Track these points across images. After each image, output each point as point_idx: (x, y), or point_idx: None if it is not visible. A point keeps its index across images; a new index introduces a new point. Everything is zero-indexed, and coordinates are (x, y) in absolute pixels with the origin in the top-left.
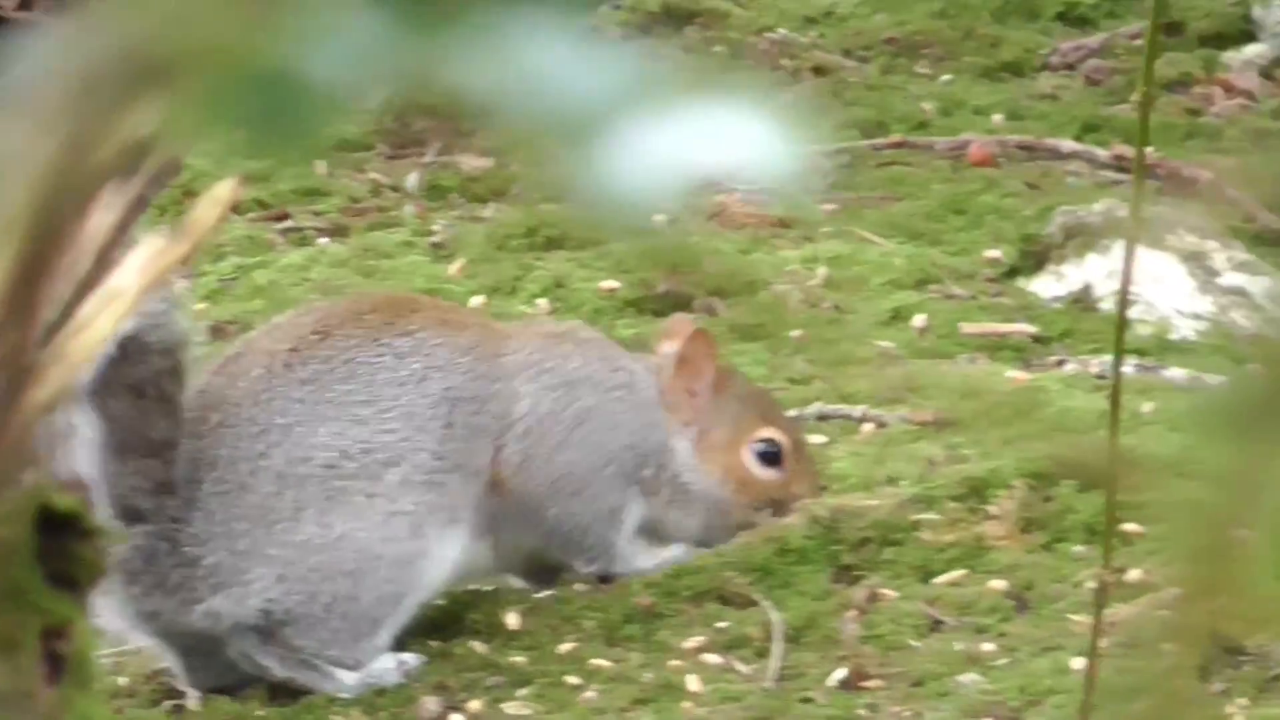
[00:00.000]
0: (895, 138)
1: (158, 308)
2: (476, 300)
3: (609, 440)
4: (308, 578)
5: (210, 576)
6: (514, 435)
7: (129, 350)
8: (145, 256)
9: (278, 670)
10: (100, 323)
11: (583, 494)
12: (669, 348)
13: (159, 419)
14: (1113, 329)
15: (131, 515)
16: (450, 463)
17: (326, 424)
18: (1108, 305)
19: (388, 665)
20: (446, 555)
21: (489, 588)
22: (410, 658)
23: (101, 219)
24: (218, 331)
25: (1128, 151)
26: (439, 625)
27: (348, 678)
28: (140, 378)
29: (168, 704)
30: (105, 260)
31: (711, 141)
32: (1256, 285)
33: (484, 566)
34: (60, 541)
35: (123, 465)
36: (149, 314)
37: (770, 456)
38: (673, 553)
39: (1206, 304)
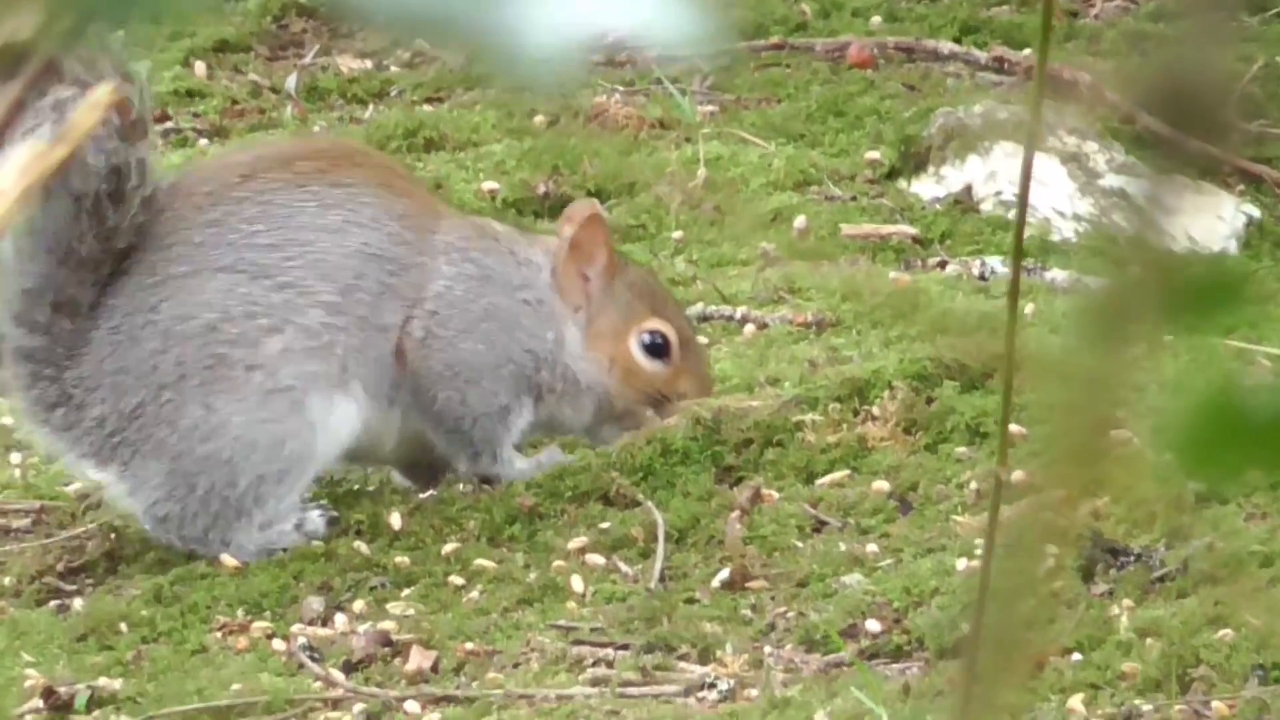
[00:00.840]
0: (774, 40)
1: (99, 131)
2: None
3: (511, 342)
4: (190, 471)
5: (96, 431)
6: (422, 311)
7: (72, 162)
8: (25, 159)
9: (176, 544)
10: None
11: (477, 385)
12: (567, 231)
13: (89, 236)
14: (993, 230)
15: (25, 321)
16: (352, 316)
17: (219, 276)
18: (988, 207)
19: (285, 528)
20: (337, 421)
21: (371, 488)
22: (315, 517)
23: None
24: None
25: (1007, 54)
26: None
27: (249, 544)
28: (80, 190)
29: (53, 604)
30: None
31: (610, 6)
32: (1136, 187)
33: (390, 430)
34: None
35: (33, 264)
36: (91, 135)
37: (656, 348)
38: (548, 456)
39: (1087, 206)
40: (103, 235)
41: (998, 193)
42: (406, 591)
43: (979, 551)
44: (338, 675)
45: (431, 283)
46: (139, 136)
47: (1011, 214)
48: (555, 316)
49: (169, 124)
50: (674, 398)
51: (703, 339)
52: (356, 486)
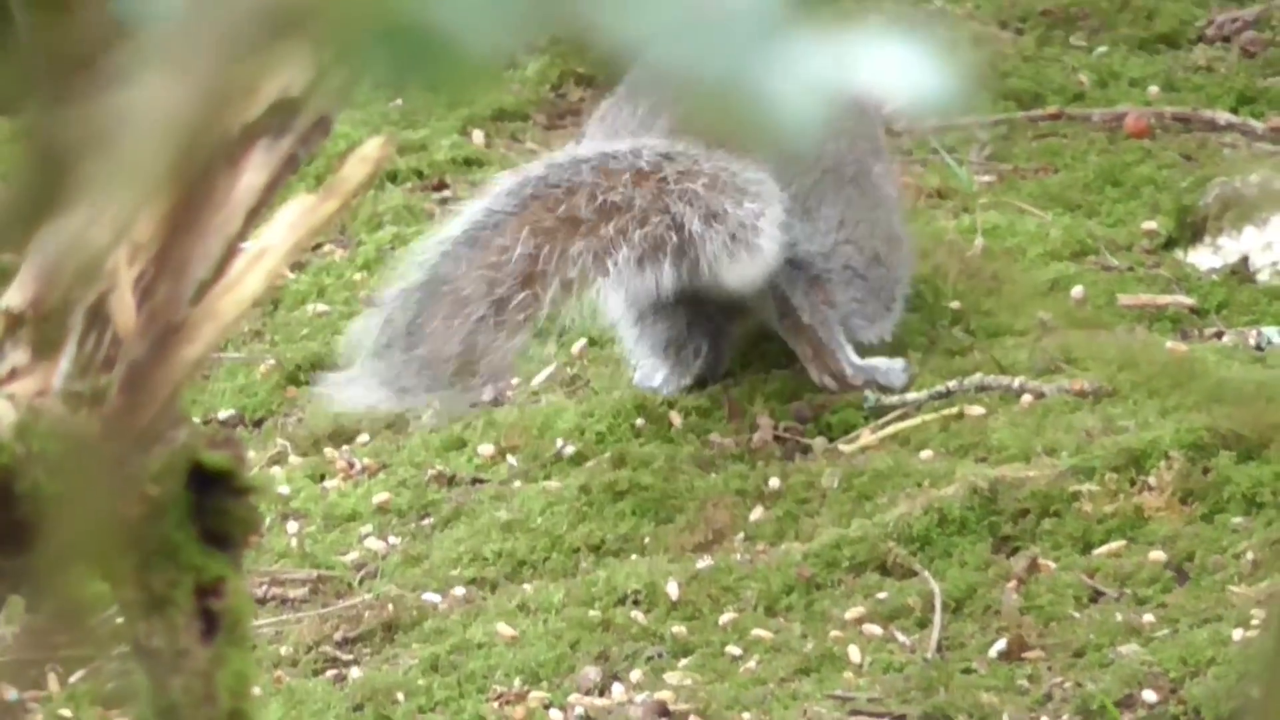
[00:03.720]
0: (1052, 109)
1: None
2: None
3: None
4: (859, 230)
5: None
6: None
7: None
8: (294, 214)
9: (806, 317)
10: (250, 280)
11: None
12: None
13: None
14: (1270, 300)
15: None
16: None
17: None
18: (1264, 277)
19: (895, 366)
20: None
21: (648, 557)
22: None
23: (252, 178)
24: (374, 302)
25: None
26: (598, 595)
27: (855, 358)
28: None
29: (330, 673)
30: (255, 219)
31: (865, 64)
32: None
33: None
34: (213, 498)
35: None
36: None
37: None
38: None
39: None
40: None
41: (1274, 263)
42: (684, 661)
43: (1255, 622)
44: None
45: None
46: None
47: None
48: None
49: (446, 192)
50: None
51: (979, 409)
52: (634, 556)
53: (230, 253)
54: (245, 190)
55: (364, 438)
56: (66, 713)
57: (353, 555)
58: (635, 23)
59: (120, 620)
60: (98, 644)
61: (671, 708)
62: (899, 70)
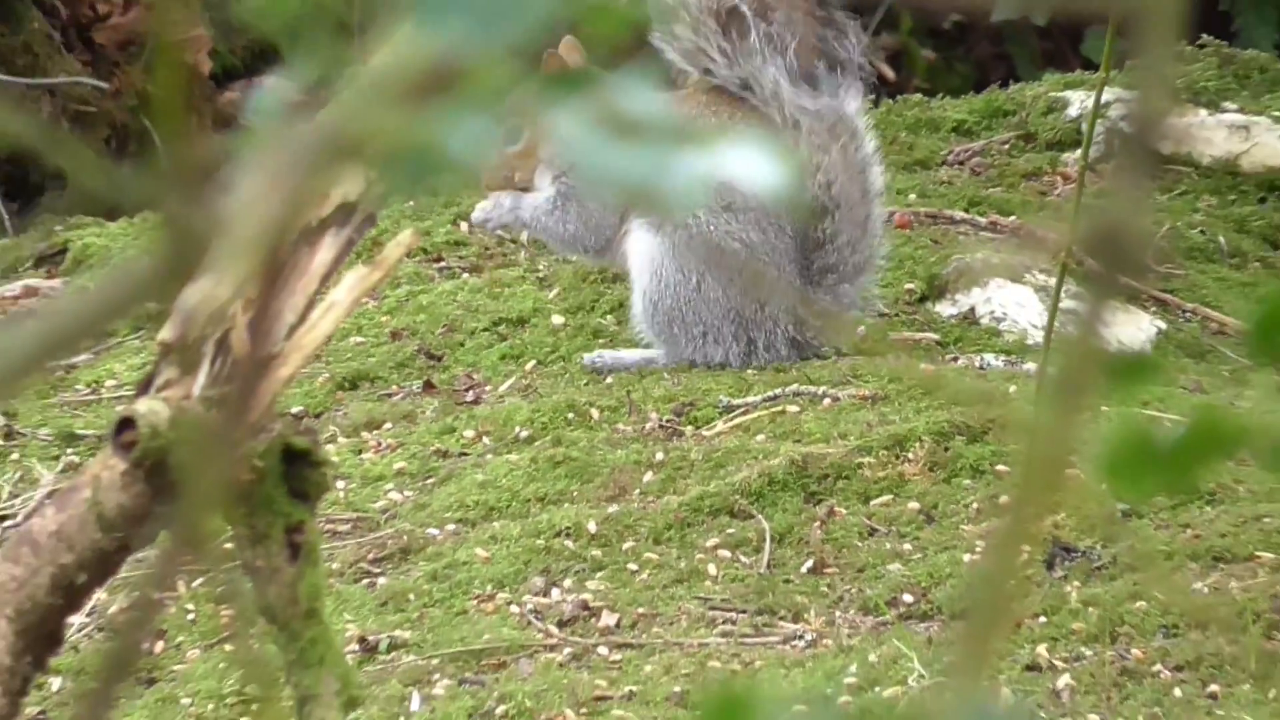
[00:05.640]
0: None
1: None
2: (562, 317)
3: None
4: None
5: None
6: None
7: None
8: (353, 280)
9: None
10: (324, 324)
11: None
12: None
13: None
14: (989, 337)
15: None
16: None
17: None
18: (985, 321)
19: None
20: None
21: (577, 504)
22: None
23: (324, 255)
24: (395, 335)
25: (999, 219)
26: (543, 530)
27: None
28: None
29: (364, 582)
30: (327, 282)
31: (729, 167)
32: (1083, 308)
33: None
34: (297, 468)
35: None
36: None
37: None
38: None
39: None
40: None
41: (992, 312)
42: (599, 574)
43: (979, 549)
44: (553, 629)
45: None
46: None
47: (1001, 326)
48: None
49: (442, 263)
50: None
51: (796, 408)
52: (566, 505)
53: (310, 305)
54: (320, 263)
55: (388, 425)
56: (190, 607)
57: (380, 503)
58: (570, 142)
59: (231, 547)
60: (213, 562)
61: (591, 605)
62: (753, 170)
